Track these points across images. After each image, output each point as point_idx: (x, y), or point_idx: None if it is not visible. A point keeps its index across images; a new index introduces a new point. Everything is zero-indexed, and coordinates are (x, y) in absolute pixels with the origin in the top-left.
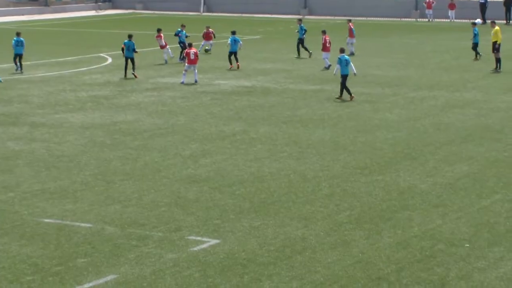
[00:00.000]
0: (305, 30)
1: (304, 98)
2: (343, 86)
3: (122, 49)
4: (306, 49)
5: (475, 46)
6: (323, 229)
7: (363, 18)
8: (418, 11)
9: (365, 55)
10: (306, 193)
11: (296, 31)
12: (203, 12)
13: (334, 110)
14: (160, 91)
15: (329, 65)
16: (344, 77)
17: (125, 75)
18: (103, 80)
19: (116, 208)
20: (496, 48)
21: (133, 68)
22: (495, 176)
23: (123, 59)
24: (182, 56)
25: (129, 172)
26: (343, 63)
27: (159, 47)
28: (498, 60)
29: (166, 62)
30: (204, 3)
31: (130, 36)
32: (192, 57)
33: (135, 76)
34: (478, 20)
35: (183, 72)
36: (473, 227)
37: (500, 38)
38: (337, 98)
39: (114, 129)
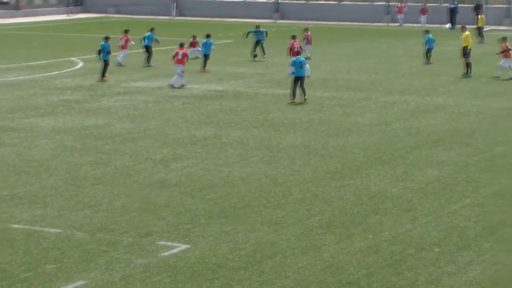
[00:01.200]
0: (266, 33)
1: (276, 102)
2: (295, 88)
3: (99, 51)
4: (260, 51)
5: (428, 52)
6: (294, 233)
7: (335, 23)
8: (390, 15)
9: (336, 59)
10: (277, 197)
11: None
12: (175, 16)
13: (306, 115)
14: (131, 95)
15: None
16: (297, 79)
17: (103, 77)
18: (74, 84)
19: (86, 213)
20: (466, 53)
21: (103, 72)
22: (465, 180)
23: (98, 62)
24: (148, 61)
25: (99, 177)
26: (297, 65)
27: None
28: (468, 65)
29: (120, 63)
30: (176, 7)
31: (106, 38)
32: (180, 57)
33: (103, 79)
34: (448, 25)
35: (180, 74)
36: (443, 232)
37: (470, 43)
38: (290, 102)
39: (85, 134)
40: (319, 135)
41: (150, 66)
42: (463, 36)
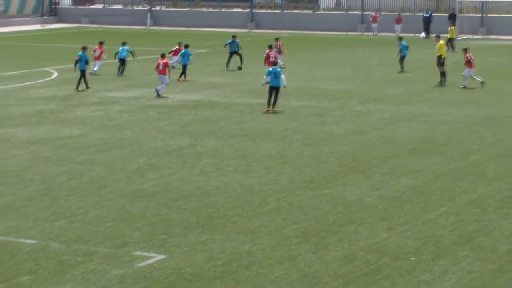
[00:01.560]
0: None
1: (251, 112)
2: (270, 97)
3: (76, 62)
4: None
5: (402, 59)
6: (270, 243)
7: (310, 32)
8: (364, 25)
9: (311, 68)
10: (252, 207)
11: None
12: (150, 26)
13: (281, 124)
14: (106, 105)
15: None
16: (272, 89)
17: (88, 86)
18: (48, 95)
19: (61, 224)
20: (441, 62)
21: (79, 82)
22: (440, 189)
23: (74, 72)
24: (122, 72)
25: (74, 187)
26: (272, 75)
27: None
28: (443, 74)
29: (94, 73)
30: (151, 17)
31: (84, 48)
32: (161, 67)
33: (78, 89)
34: (423, 34)
35: (162, 85)
36: (419, 240)
37: (445, 52)
38: (266, 111)
39: (60, 144)
40: (294, 144)
41: (123, 76)
42: (437, 45)
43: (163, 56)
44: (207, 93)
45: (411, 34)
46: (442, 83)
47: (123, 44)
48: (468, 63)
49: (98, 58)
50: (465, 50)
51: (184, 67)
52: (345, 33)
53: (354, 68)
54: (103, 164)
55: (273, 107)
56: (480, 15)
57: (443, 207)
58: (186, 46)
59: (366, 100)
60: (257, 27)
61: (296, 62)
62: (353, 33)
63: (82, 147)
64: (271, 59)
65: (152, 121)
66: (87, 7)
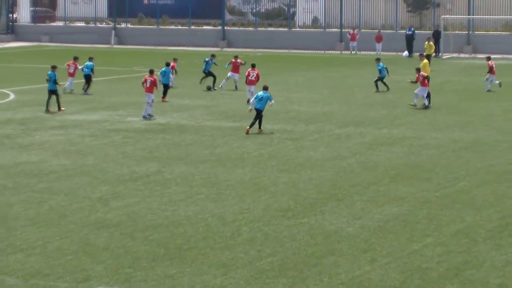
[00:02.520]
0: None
1: (223, 136)
2: (254, 120)
3: (47, 81)
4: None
5: (380, 79)
6: (244, 277)
7: (285, 51)
8: (343, 43)
9: (287, 89)
10: (225, 238)
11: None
12: (114, 44)
13: (255, 149)
14: (67, 129)
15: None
16: (257, 111)
17: (47, 109)
18: (5, 118)
19: (18, 257)
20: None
21: (48, 103)
22: (426, 218)
23: (44, 93)
24: (86, 89)
25: (32, 217)
26: (258, 98)
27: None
28: (427, 95)
29: (66, 90)
30: (115, 35)
31: (53, 68)
32: (148, 84)
33: (49, 111)
34: (406, 53)
35: (150, 103)
36: (404, 273)
37: (428, 72)
38: (247, 131)
39: (16, 171)
40: (269, 170)
41: (87, 94)
42: (421, 65)
43: (151, 72)
44: (176, 116)
45: (393, 53)
46: (426, 104)
47: (90, 59)
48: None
49: (72, 74)
50: (418, 70)
51: (165, 86)
52: (323, 51)
53: (332, 89)
54: (64, 192)
55: (259, 128)
56: (466, 32)
57: (430, 237)
58: (167, 65)
59: (345, 123)
60: (229, 46)
61: (270, 83)
62: (332, 51)
63: (41, 174)
64: (250, 78)
65: (117, 146)
66: (47, 24)
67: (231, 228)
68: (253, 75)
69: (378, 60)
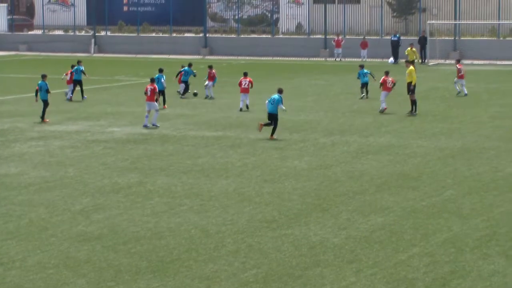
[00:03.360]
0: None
1: (206, 146)
2: (269, 125)
3: (36, 91)
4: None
5: (363, 86)
6: None
7: (269, 58)
8: (328, 50)
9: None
10: (208, 250)
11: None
12: (94, 53)
13: (238, 159)
14: (46, 140)
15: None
16: (269, 115)
17: (43, 120)
18: None
19: None
20: (411, 89)
21: (43, 113)
22: (412, 227)
23: (35, 104)
24: (82, 95)
25: (12, 230)
26: (270, 101)
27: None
28: (413, 102)
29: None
30: (95, 43)
31: (43, 77)
32: (148, 93)
33: (44, 121)
34: (391, 59)
35: (146, 113)
36: (390, 284)
37: (415, 79)
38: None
39: None
40: (253, 180)
41: (84, 98)
42: (407, 71)
43: (152, 81)
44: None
45: (378, 59)
46: (412, 112)
47: (78, 63)
48: (384, 85)
49: (70, 82)
50: (387, 73)
51: (161, 93)
52: (307, 58)
53: (317, 97)
54: (44, 204)
55: (271, 135)
56: (453, 38)
57: (416, 247)
58: (160, 71)
59: (331, 132)
60: (211, 53)
61: (253, 91)
62: (316, 59)
63: (21, 186)
64: (243, 86)
65: (98, 157)
66: (25, 33)
67: (215, 240)
68: (245, 83)
69: (361, 67)
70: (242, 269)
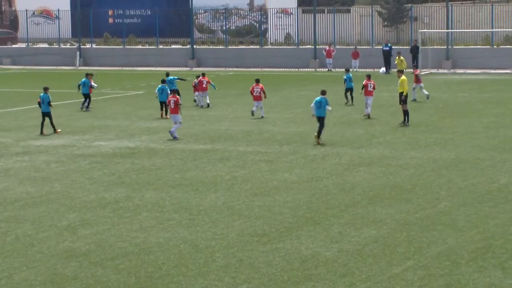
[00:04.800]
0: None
1: (194, 159)
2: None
3: (39, 104)
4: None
5: (348, 91)
6: None
7: (257, 69)
8: (318, 60)
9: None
10: (198, 265)
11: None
12: (79, 66)
13: (228, 172)
14: (32, 155)
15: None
16: (318, 119)
17: (41, 132)
18: None
19: None
20: (402, 99)
21: (52, 124)
22: (406, 240)
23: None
24: (87, 106)
25: None
26: (317, 105)
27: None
28: (405, 113)
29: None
30: (80, 56)
31: (45, 89)
32: (172, 106)
33: (55, 131)
34: (383, 69)
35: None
36: None
37: (406, 89)
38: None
39: None
40: (243, 194)
41: (88, 110)
42: (398, 81)
43: (174, 92)
44: (144, 139)
45: (370, 69)
46: (405, 122)
47: (86, 76)
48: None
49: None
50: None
51: (163, 104)
52: (296, 69)
53: (307, 108)
54: (30, 220)
55: (317, 139)
56: (445, 47)
57: (410, 260)
58: (163, 82)
59: (321, 144)
60: (199, 65)
61: (242, 103)
62: (306, 69)
63: (6, 202)
64: (255, 93)
65: (84, 171)
66: (9, 46)
67: (204, 255)
68: (257, 91)
69: (347, 70)
70: (233, 284)
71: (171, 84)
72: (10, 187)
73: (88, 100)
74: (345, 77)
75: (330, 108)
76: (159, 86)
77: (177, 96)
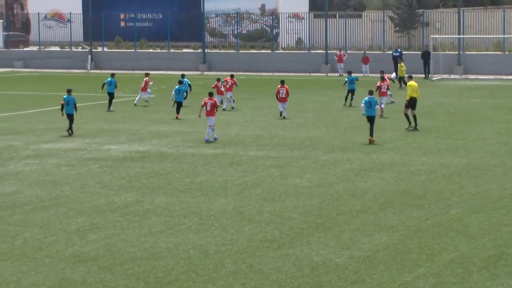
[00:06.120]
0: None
1: (204, 163)
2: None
3: (62, 106)
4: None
5: (349, 93)
6: None
7: (268, 74)
8: (329, 65)
9: (270, 114)
10: (207, 270)
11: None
12: (91, 69)
13: (238, 177)
14: (42, 158)
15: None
16: (368, 118)
17: (70, 133)
18: None
19: None
20: (405, 104)
21: (70, 125)
22: (417, 247)
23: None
24: (109, 106)
25: (6, 251)
26: (367, 105)
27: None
28: (414, 118)
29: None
30: (92, 60)
31: (69, 91)
32: (208, 108)
33: (70, 133)
34: (393, 75)
35: (212, 127)
36: None
37: (409, 94)
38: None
39: None
40: (253, 199)
41: (111, 111)
42: (407, 86)
43: (210, 95)
44: (155, 143)
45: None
46: (411, 126)
47: (112, 75)
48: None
49: (144, 89)
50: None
51: (179, 104)
52: (308, 74)
53: (318, 113)
54: (39, 224)
55: (371, 137)
56: (456, 52)
57: (422, 267)
58: (180, 82)
59: (332, 149)
60: (210, 69)
61: (253, 107)
62: (317, 74)
63: (15, 205)
64: (280, 95)
65: (94, 175)
66: (21, 49)
67: (214, 260)
68: (282, 92)
69: (349, 73)
70: None
71: (184, 86)
72: (20, 190)
73: (110, 99)
74: (346, 79)
75: (378, 107)
76: (176, 87)
77: (215, 99)
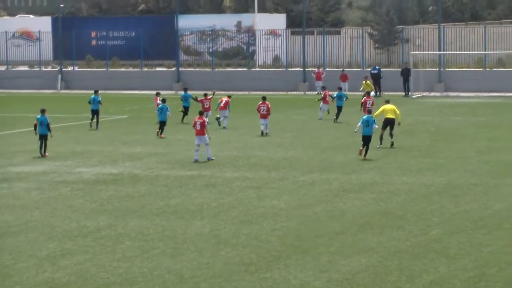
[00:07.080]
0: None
1: (180, 186)
2: (363, 146)
3: (35, 126)
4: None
5: (337, 110)
6: None
7: (245, 92)
8: (307, 83)
9: (247, 134)
10: None
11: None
12: (61, 89)
13: (214, 199)
14: (11, 182)
15: None
16: (364, 137)
17: (43, 154)
18: None
19: None
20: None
21: (45, 147)
22: (397, 269)
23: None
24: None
25: None
26: (364, 123)
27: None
28: (390, 136)
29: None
30: (62, 79)
31: (43, 111)
32: (198, 127)
33: (42, 155)
34: (373, 93)
35: (195, 147)
36: None
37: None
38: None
39: None
40: (229, 222)
41: (98, 128)
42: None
43: (201, 114)
44: (128, 165)
45: (359, 93)
46: (391, 146)
47: (95, 92)
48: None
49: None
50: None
51: (162, 123)
52: (285, 92)
53: (296, 133)
54: (8, 250)
55: (364, 155)
56: (437, 69)
57: None
58: (163, 101)
59: (310, 169)
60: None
61: (229, 127)
62: (294, 92)
63: None
64: (261, 112)
65: (65, 199)
66: None
67: (189, 285)
68: (263, 109)
69: (339, 89)
70: None
71: (186, 100)
72: None
73: (97, 117)
74: (335, 95)
75: (376, 126)
76: (160, 105)
77: (204, 118)
